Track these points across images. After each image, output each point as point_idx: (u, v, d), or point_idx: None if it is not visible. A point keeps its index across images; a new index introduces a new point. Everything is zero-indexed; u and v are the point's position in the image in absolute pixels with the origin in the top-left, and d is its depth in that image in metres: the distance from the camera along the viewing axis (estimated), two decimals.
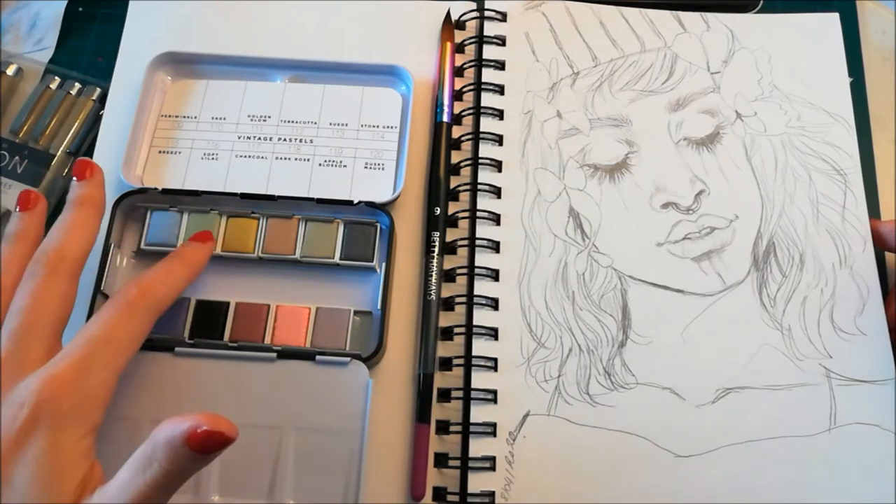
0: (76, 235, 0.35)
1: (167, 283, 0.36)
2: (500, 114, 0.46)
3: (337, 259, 0.41)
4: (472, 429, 0.39)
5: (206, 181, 0.44)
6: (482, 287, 0.42)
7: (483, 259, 0.43)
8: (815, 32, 0.49)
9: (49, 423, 0.29)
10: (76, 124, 0.47)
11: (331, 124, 0.46)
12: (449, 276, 0.42)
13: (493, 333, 0.41)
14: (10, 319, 0.33)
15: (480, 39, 0.48)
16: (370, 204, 0.42)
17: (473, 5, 0.49)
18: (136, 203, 0.43)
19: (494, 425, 0.39)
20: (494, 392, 0.40)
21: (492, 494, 0.38)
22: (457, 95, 0.47)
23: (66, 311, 0.34)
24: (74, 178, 0.37)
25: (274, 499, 0.36)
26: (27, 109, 0.47)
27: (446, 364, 0.41)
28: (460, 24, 0.49)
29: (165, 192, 0.42)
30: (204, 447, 0.28)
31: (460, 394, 0.40)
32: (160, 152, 0.45)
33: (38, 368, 0.31)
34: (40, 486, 0.29)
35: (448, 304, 0.42)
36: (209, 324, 0.40)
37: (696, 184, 0.45)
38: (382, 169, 0.44)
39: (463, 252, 0.43)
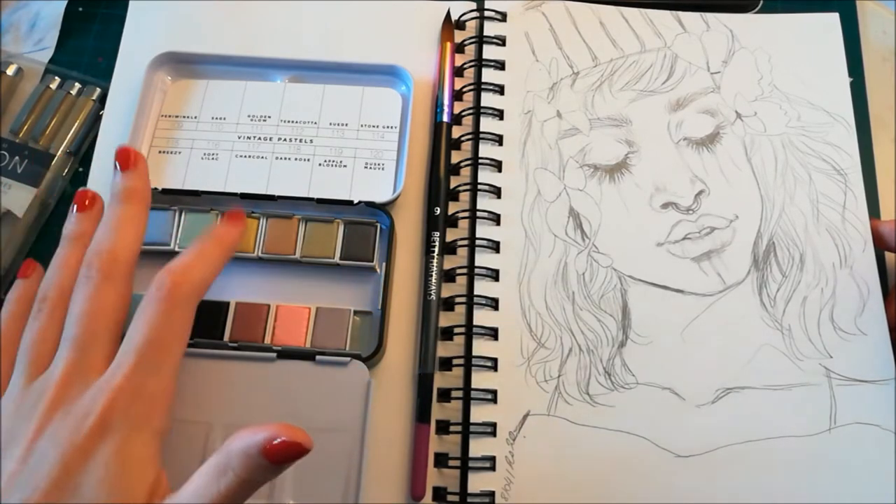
0: (127, 234, 0.35)
1: (201, 268, 0.35)
2: (500, 114, 0.46)
3: (337, 259, 0.41)
4: (472, 429, 0.39)
5: (206, 181, 0.44)
6: (482, 287, 0.42)
7: (483, 259, 0.43)
8: (815, 32, 0.49)
9: (115, 430, 0.30)
10: (76, 124, 0.47)
11: (331, 124, 0.46)
12: (449, 276, 0.42)
13: (493, 333, 0.41)
14: (71, 327, 0.32)
15: (480, 39, 0.48)
16: (370, 204, 0.42)
17: (473, 5, 0.49)
18: None
19: (494, 425, 0.39)
20: (494, 392, 0.40)
21: (492, 494, 0.38)
22: (457, 95, 0.47)
23: (123, 314, 0.34)
24: (118, 168, 0.36)
25: (274, 499, 0.36)
26: (27, 109, 0.47)
27: (446, 364, 0.41)
28: (460, 24, 0.49)
29: (165, 192, 0.42)
30: (281, 458, 0.28)
31: (460, 394, 0.40)
32: (160, 152, 0.45)
33: (100, 376, 0.31)
34: (109, 491, 0.29)
35: (448, 304, 0.42)
36: (209, 324, 0.40)
37: (696, 184, 0.45)
38: (382, 169, 0.44)
39: (463, 252, 0.43)
